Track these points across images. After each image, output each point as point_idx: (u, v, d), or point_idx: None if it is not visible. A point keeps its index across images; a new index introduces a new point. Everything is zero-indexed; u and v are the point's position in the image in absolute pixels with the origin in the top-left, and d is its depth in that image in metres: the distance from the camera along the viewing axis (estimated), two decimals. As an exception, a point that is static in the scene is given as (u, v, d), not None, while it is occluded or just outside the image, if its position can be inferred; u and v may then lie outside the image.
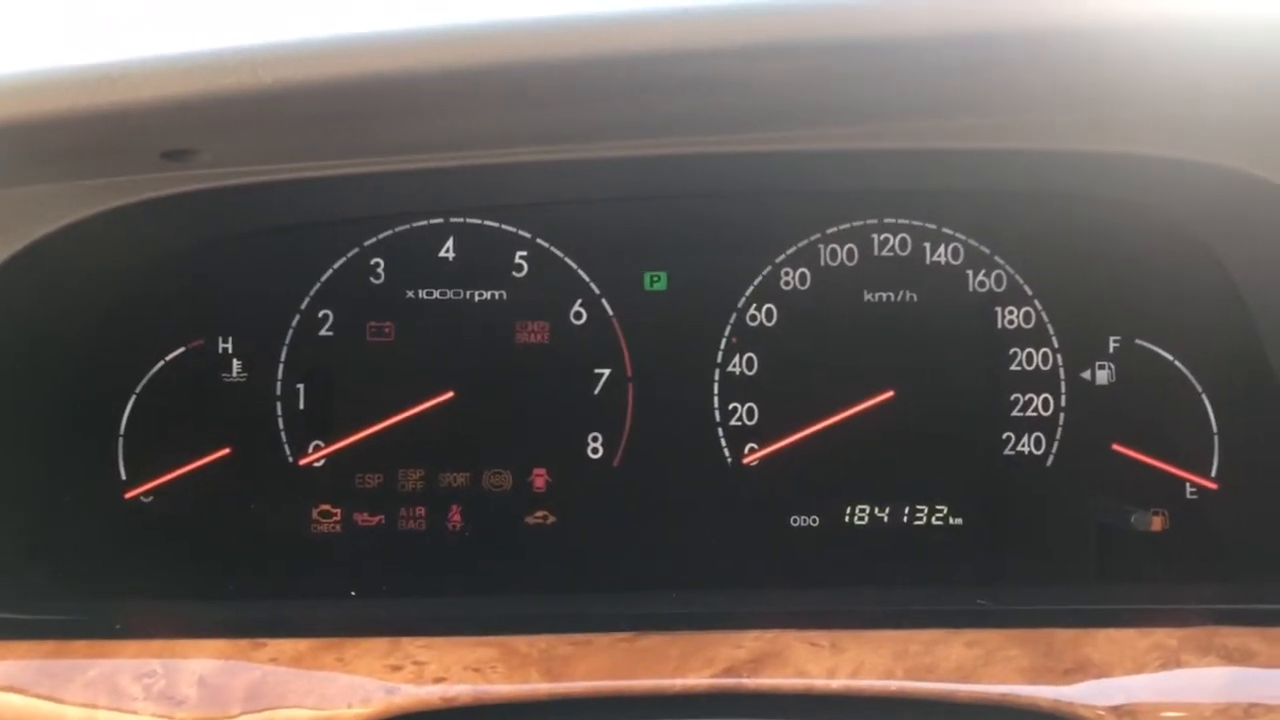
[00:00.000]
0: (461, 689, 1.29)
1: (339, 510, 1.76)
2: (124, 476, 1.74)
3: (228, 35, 1.20)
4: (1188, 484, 1.81)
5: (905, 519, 1.81)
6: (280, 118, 1.31)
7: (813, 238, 1.82)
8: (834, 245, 1.82)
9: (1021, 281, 1.83)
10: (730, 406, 1.81)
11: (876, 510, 1.81)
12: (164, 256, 1.72)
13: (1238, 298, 1.75)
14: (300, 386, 1.77)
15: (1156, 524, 1.75)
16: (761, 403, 1.81)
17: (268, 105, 1.24)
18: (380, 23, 1.18)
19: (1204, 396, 1.81)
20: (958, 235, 1.82)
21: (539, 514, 1.79)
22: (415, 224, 1.78)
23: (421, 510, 1.78)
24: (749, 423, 1.81)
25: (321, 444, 1.77)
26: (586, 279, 1.79)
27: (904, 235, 1.82)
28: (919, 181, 1.77)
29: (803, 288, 1.81)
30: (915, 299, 1.81)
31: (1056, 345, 1.83)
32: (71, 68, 1.21)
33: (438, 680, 1.29)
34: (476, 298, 1.78)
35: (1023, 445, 1.82)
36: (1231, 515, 1.78)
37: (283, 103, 1.23)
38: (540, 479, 1.79)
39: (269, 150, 1.48)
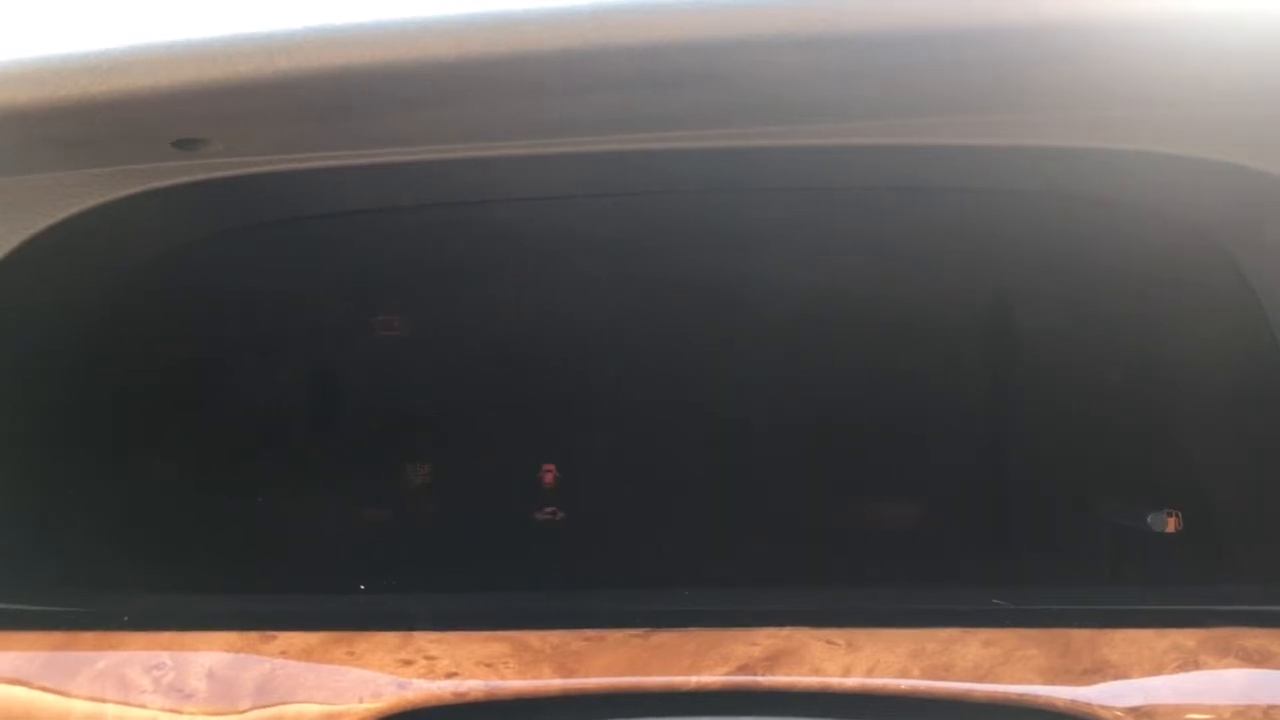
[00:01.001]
0: (473, 684, 1.28)
1: (348, 503, 1.76)
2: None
3: (243, 21, 1.20)
4: (1204, 484, 1.80)
5: (920, 517, 1.80)
6: (295, 107, 1.30)
7: (815, 234, 1.80)
8: None
9: (1031, 280, 1.82)
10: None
11: (892, 508, 1.80)
12: (171, 246, 1.70)
13: (1253, 298, 1.74)
14: (308, 379, 1.76)
15: (1172, 524, 1.75)
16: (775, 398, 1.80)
17: (283, 94, 1.23)
18: (401, 9, 1.17)
19: (1218, 395, 1.80)
20: (961, 233, 1.81)
21: (549, 509, 1.78)
22: (426, 216, 1.77)
23: (430, 504, 1.77)
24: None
25: (330, 437, 1.76)
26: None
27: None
28: (919, 179, 1.75)
29: (808, 284, 1.81)
30: (924, 297, 1.80)
31: (1067, 344, 1.82)
32: (84, 53, 1.20)
33: (449, 675, 1.28)
34: (488, 290, 1.77)
35: (1036, 444, 1.81)
36: (1248, 515, 1.77)
37: (298, 91, 1.22)
38: (550, 474, 1.78)
39: (282, 140, 1.47)
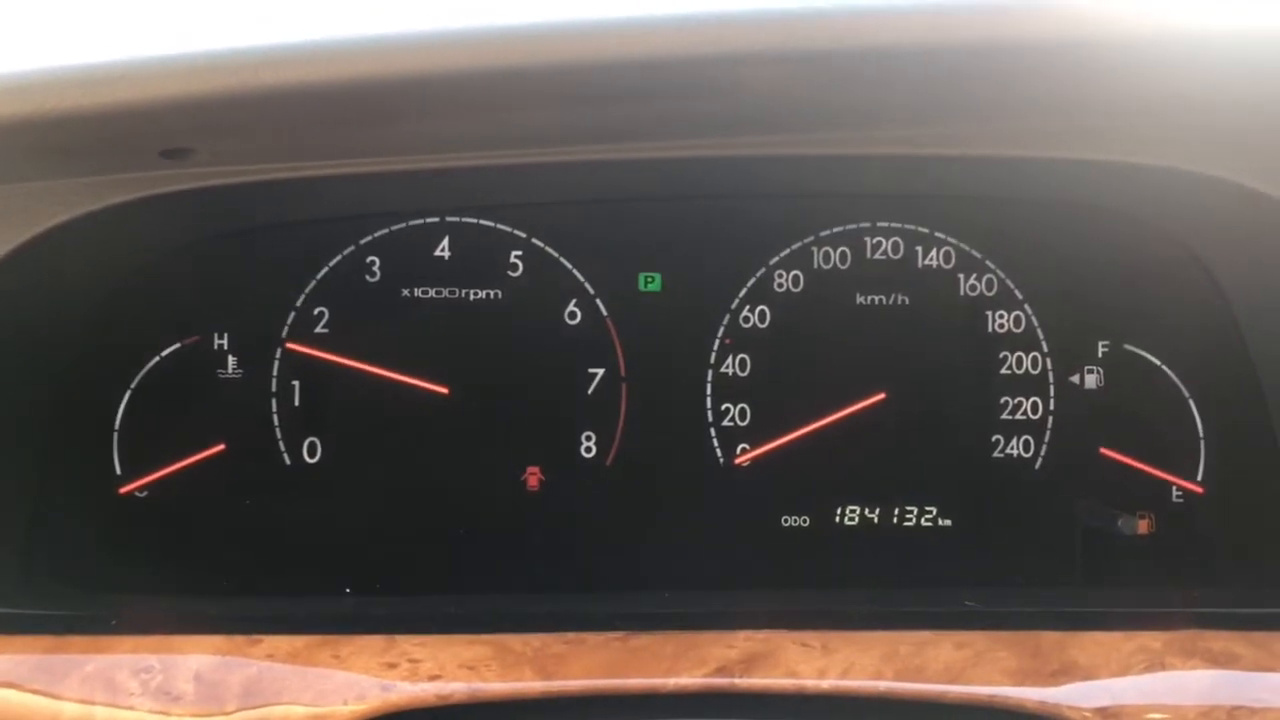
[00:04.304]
0: (456, 686, 1.30)
1: (333, 507, 1.77)
2: (119, 471, 1.74)
3: (229, 36, 1.22)
4: (1174, 488, 1.83)
5: (895, 520, 1.82)
6: (279, 118, 1.32)
7: (806, 240, 1.83)
8: (827, 248, 1.83)
9: (1012, 286, 1.84)
10: (723, 407, 1.82)
11: (867, 511, 1.82)
12: (160, 253, 1.72)
13: (1225, 304, 1.77)
14: (295, 383, 1.78)
15: (1143, 527, 1.77)
16: (754, 404, 1.82)
17: (267, 106, 1.25)
18: (380, 26, 1.19)
19: (1191, 401, 1.83)
20: (949, 239, 1.84)
21: (532, 513, 1.79)
22: (411, 223, 1.79)
23: (415, 508, 1.78)
24: (741, 423, 1.82)
25: (316, 440, 1.77)
26: (581, 279, 1.80)
27: (896, 239, 1.84)
28: (912, 186, 1.78)
29: (796, 290, 1.83)
30: (907, 302, 1.83)
31: (1046, 349, 1.84)
32: (74, 67, 1.22)
33: (433, 678, 1.30)
34: (472, 296, 1.79)
35: (1012, 448, 1.83)
36: (1217, 519, 1.81)
37: (282, 104, 1.24)
38: (533, 477, 1.80)
39: (266, 149, 1.49)
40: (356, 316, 1.78)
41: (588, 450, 1.80)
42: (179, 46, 1.21)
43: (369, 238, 1.78)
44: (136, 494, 1.74)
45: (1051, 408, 1.84)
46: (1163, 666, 1.35)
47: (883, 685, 1.33)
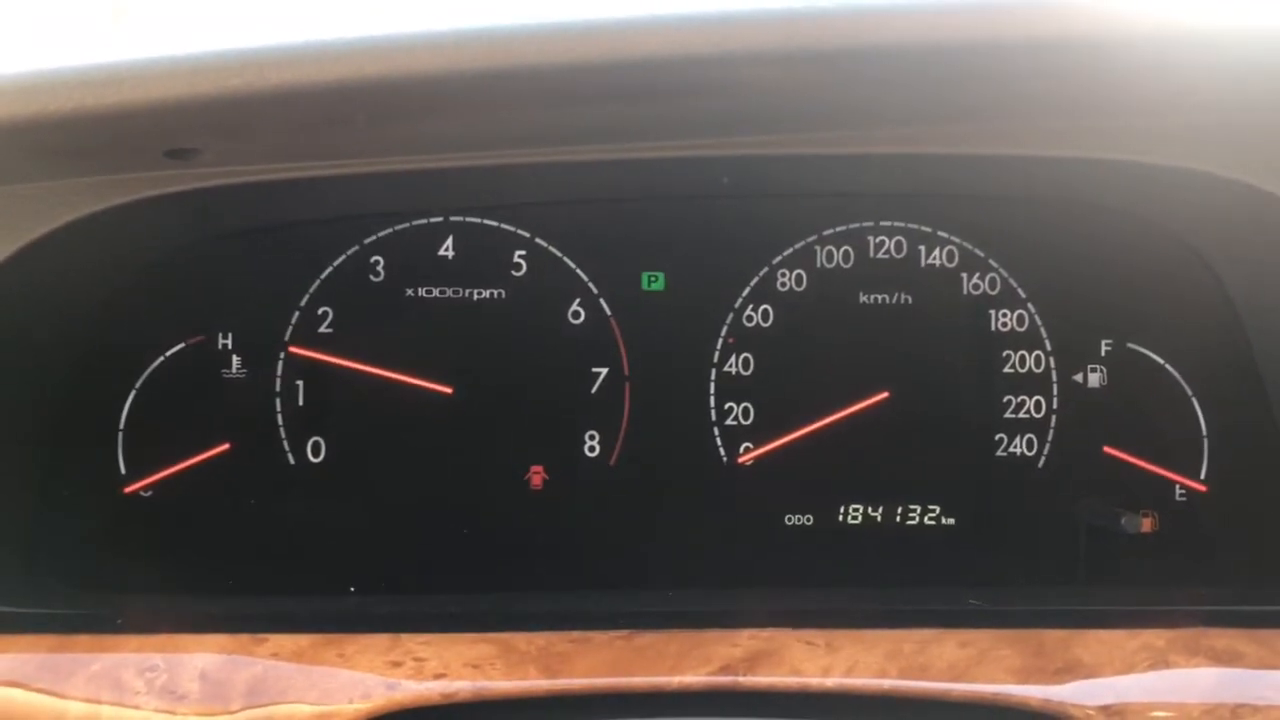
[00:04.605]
0: (461, 685, 1.31)
1: (338, 506, 1.77)
2: (123, 471, 1.74)
3: (234, 36, 1.22)
4: (1177, 486, 1.83)
5: (899, 519, 1.82)
6: (285, 119, 1.32)
7: (809, 239, 1.83)
8: (830, 247, 1.83)
9: (1015, 285, 1.85)
10: (726, 406, 1.82)
11: (870, 510, 1.82)
12: (165, 253, 1.73)
13: (1228, 302, 1.77)
14: (299, 383, 1.78)
15: (1146, 526, 1.78)
16: (757, 403, 1.82)
17: (273, 107, 1.25)
18: (387, 26, 1.19)
19: (1194, 400, 1.83)
20: (953, 238, 1.84)
21: (536, 512, 1.80)
22: (415, 222, 1.79)
23: (419, 507, 1.79)
24: (744, 422, 1.82)
25: (320, 440, 1.78)
26: (585, 278, 1.81)
27: (900, 238, 1.84)
28: (915, 185, 1.79)
29: (799, 289, 1.83)
30: (910, 301, 1.83)
31: (1049, 348, 1.84)
32: (79, 68, 1.22)
33: (438, 676, 1.31)
34: (475, 296, 1.80)
35: (1015, 447, 1.84)
36: (1220, 517, 1.81)
37: (288, 105, 1.24)
38: (538, 476, 1.80)
39: (271, 150, 1.49)
40: (360, 316, 1.78)
41: (591, 449, 1.81)
42: (185, 46, 1.21)
43: (373, 237, 1.78)
44: (141, 494, 1.74)
45: (1054, 406, 1.84)
46: (1167, 664, 1.35)
47: (887, 683, 1.34)
